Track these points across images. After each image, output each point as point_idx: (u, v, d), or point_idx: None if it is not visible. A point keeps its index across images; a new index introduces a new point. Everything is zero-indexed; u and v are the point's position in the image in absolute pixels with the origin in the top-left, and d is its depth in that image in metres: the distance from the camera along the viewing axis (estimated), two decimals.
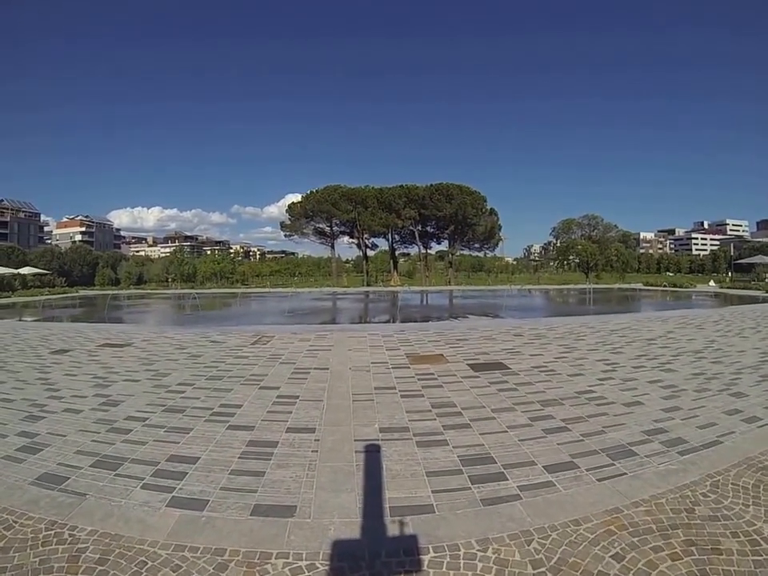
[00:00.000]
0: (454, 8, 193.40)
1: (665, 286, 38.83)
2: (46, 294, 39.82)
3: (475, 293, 36.01)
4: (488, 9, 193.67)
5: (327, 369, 6.88)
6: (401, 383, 6.10)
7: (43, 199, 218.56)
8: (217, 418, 4.81)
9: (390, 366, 7.10)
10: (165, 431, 4.46)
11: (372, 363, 7.29)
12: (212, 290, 46.01)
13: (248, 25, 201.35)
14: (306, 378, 6.37)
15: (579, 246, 61.33)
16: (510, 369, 6.99)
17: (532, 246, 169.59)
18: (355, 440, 4.15)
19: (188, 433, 4.38)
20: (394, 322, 14.40)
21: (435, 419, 4.71)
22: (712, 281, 45.45)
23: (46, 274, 51.16)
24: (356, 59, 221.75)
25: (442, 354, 8.05)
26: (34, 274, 47.85)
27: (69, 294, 39.14)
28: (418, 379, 6.31)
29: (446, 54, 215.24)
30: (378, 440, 4.16)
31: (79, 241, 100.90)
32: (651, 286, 41.66)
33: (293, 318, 16.15)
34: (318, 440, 4.16)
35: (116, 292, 38.77)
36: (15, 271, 46.05)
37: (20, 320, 17.73)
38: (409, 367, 7.06)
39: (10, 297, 37.28)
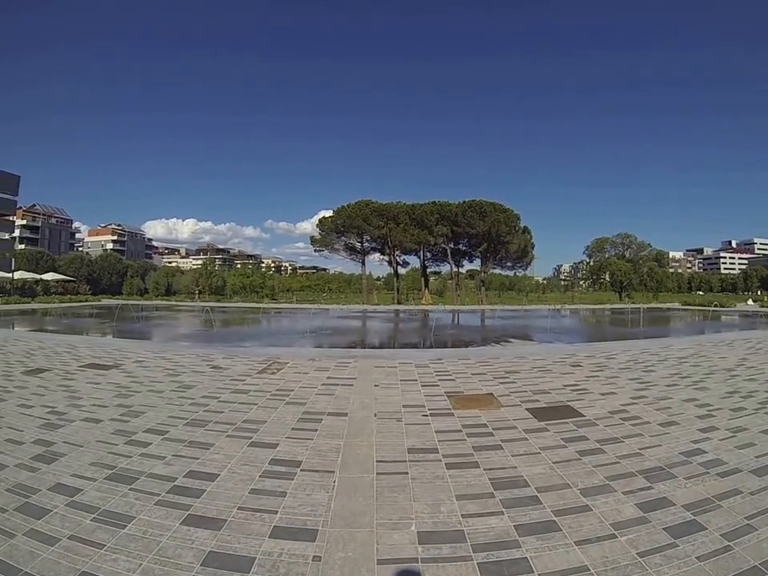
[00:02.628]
0: (485, 27, 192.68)
1: (714, 305, 37.33)
2: (66, 302, 39.98)
3: (510, 313, 34.07)
4: (522, 28, 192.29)
5: (345, 414, 5.35)
6: (444, 441, 4.52)
7: (80, 206, 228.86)
8: (173, 499, 3.37)
9: (428, 412, 5.52)
10: (92, 520, 3.08)
11: (404, 407, 5.71)
12: (237, 303, 45.35)
13: (284, 42, 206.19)
14: (315, 429, 4.85)
15: (613, 265, 61.77)
16: (583, 416, 5.37)
17: (561, 265, 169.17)
18: (379, 561, 2.60)
19: (123, 527, 2.94)
20: (428, 346, 12.76)
21: (503, 513, 3.15)
22: (750, 300, 43.73)
23: (70, 280, 51.82)
24: (388, 77, 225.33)
25: (491, 394, 6.42)
26: (57, 281, 48.40)
27: (88, 303, 39.01)
28: (468, 434, 4.71)
29: (478, 72, 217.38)
30: (418, 560, 2.60)
31: (110, 249, 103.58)
32: (689, 305, 41.02)
33: (314, 338, 14.75)
34: (319, 559, 2.61)
35: (133, 302, 38.42)
36: (38, 277, 46.73)
37: (20, 329, 17.04)
38: (452, 413, 5.46)
39: (29, 303, 37.48)
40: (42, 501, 3.35)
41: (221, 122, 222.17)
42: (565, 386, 6.95)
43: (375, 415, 5.30)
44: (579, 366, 8.76)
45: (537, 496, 3.39)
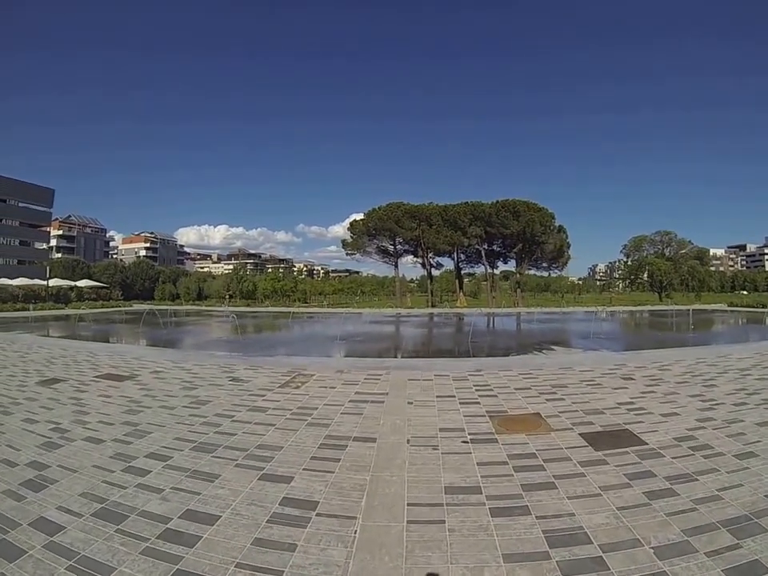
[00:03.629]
0: (518, 24, 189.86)
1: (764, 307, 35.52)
2: (98, 308, 40.89)
3: (549, 316, 32.90)
4: (557, 21, 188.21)
5: (374, 440, 4.77)
6: (488, 477, 3.89)
7: (115, 215, 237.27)
8: (163, 547, 2.90)
9: (469, 437, 4.89)
10: (67, 569, 2.71)
11: (441, 430, 5.10)
12: (268, 308, 45.42)
13: (314, 46, 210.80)
14: (338, 458, 4.29)
15: (652, 265, 60.45)
16: (645, 444, 4.64)
17: (597, 265, 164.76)
18: None
19: None
20: (466, 355, 12.07)
21: None
22: None
23: (103, 287, 53.10)
24: (413, 78, 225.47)
25: (538, 414, 5.74)
26: (91, 287, 49.67)
27: (119, 308, 39.72)
28: (515, 467, 4.07)
29: (503, 70, 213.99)
30: None
31: (143, 256, 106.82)
32: (736, 306, 39.30)
33: (344, 345, 14.23)
34: None
35: (163, 307, 38.84)
36: (72, 283, 48.05)
37: (48, 335, 17.18)
38: (496, 439, 4.82)
39: (63, 309, 38.44)
40: (20, 539, 3.00)
41: (252, 128, 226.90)
42: (619, 404, 6.20)
43: (408, 441, 4.71)
44: (631, 378, 7.97)
45: (601, 557, 2.74)
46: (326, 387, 7.21)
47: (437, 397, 6.62)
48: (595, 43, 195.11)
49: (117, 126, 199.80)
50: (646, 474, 3.90)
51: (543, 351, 12.86)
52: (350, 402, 6.29)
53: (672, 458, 4.25)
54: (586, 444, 4.65)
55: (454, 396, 6.67)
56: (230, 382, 7.73)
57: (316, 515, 3.24)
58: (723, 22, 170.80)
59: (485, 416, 5.66)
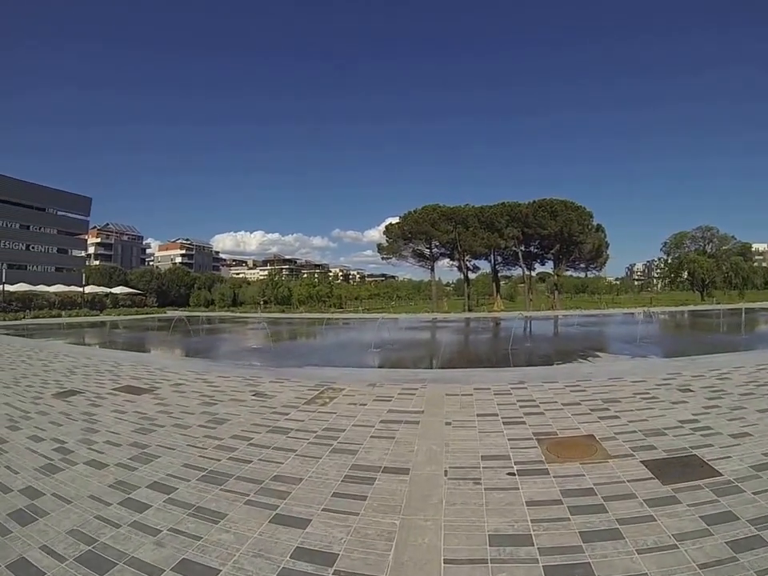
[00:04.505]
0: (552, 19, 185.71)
1: None
2: (132, 314, 41.76)
3: (589, 319, 31.46)
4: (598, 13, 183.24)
5: (406, 472, 4.20)
6: (540, 522, 3.26)
7: (151, 222, 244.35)
8: None
9: (515, 467, 4.27)
10: None
11: (483, 458, 4.50)
12: (302, 314, 45.45)
13: (345, 48, 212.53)
14: (364, 495, 3.75)
15: (695, 262, 58.99)
16: (719, 474, 3.91)
17: (634, 264, 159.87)
18: None
19: None
20: (506, 364, 11.38)
21: None
22: None
23: (138, 293, 54.32)
24: (448, 77, 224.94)
25: (592, 436, 5.06)
26: (126, 294, 50.83)
27: (153, 315, 40.39)
28: (570, 508, 3.43)
29: (539, 64, 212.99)
30: None
31: (179, 263, 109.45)
32: None
33: (378, 354, 13.69)
34: None
35: (196, 314, 39.30)
36: (108, 290, 49.28)
37: (76, 342, 17.34)
38: (546, 469, 4.19)
39: (97, 315, 39.37)
40: None
41: (287, 133, 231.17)
42: (681, 422, 5.46)
43: (446, 473, 4.13)
44: (689, 390, 7.15)
45: None
46: (355, 404, 6.68)
47: (477, 415, 6.00)
48: (639, 33, 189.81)
49: (153, 131, 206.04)
50: (727, 517, 3.21)
51: (588, 359, 12.06)
52: (381, 422, 5.74)
53: (753, 493, 3.53)
54: (651, 475, 3.98)
55: (497, 414, 6.03)
56: (253, 397, 7.31)
57: (333, 573, 2.71)
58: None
59: (532, 439, 5.03)
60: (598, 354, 13.10)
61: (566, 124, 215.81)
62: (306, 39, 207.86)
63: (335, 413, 6.23)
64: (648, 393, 7.07)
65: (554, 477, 4.03)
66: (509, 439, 5.03)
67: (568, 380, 8.23)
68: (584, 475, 4.03)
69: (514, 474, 4.11)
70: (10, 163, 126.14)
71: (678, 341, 18.10)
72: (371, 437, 5.17)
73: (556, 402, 6.65)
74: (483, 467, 4.28)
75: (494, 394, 7.18)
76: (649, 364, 10.64)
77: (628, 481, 3.89)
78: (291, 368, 10.49)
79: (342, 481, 4.00)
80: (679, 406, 6.24)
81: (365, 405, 6.62)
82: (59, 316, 37.12)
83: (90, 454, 4.89)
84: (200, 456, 4.73)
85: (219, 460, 4.59)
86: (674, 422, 5.46)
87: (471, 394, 7.21)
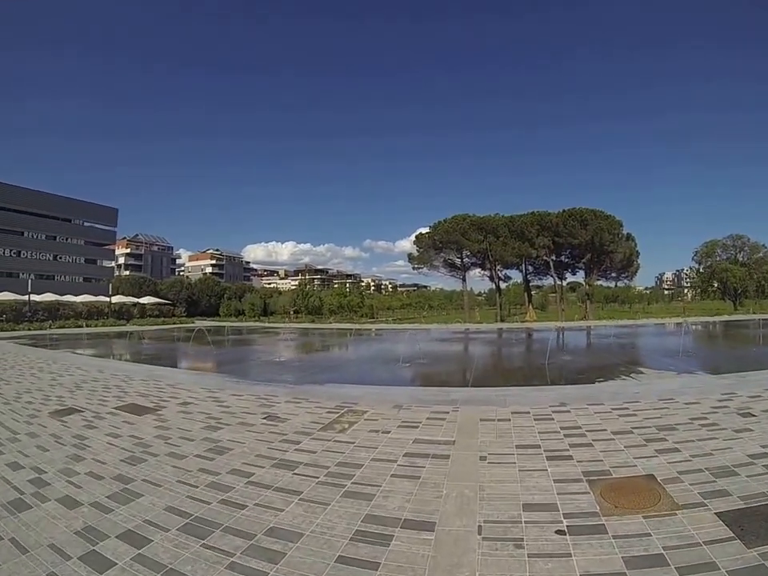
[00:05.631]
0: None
1: None
2: (160, 324, 42.06)
3: (624, 330, 30.05)
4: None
5: (431, 528, 3.44)
6: None
7: (182, 233, 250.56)
8: None
9: (564, 521, 3.48)
10: None
11: (526, 508, 3.70)
12: (331, 324, 45.02)
13: (379, 62, 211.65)
14: (376, 563, 3.00)
15: (727, 271, 58.77)
16: None
17: (664, 273, 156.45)
18: None
19: None
20: (544, 381, 10.48)
21: None
22: None
23: (166, 303, 54.82)
24: (478, 86, 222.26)
25: (652, 477, 4.22)
26: (154, 304, 51.40)
27: (180, 325, 40.48)
28: None
29: (562, 75, 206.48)
30: None
31: (209, 273, 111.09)
32: None
33: (407, 369, 12.87)
34: None
35: (223, 324, 39.26)
36: (135, 300, 49.92)
37: (92, 354, 17.13)
38: (604, 526, 3.38)
39: (124, 325, 39.75)
40: None
41: (318, 145, 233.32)
42: (751, 457, 4.57)
43: (480, 530, 3.36)
44: (751, 414, 6.27)
45: None
46: (377, 432, 5.93)
47: (516, 447, 5.19)
48: (670, 40, 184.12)
49: (186, 144, 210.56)
50: None
51: (631, 375, 11.06)
52: (405, 455, 4.98)
53: None
54: (731, 534, 3.14)
55: (539, 446, 5.21)
56: (263, 421, 6.65)
57: None
58: None
59: (582, 480, 4.21)
60: (640, 369, 12.08)
61: (592, 133, 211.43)
62: (337, 53, 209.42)
63: (353, 442, 5.50)
64: (705, 418, 6.22)
65: (613, 537, 3.22)
66: (555, 480, 4.23)
67: (614, 402, 7.37)
68: (650, 534, 3.23)
69: (563, 533, 3.32)
70: (38, 176, 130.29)
71: (721, 353, 16.77)
72: (392, 475, 4.42)
73: (605, 429, 5.81)
74: (526, 521, 3.50)
75: (534, 420, 6.36)
76: (698, 382, 9.64)
77: (704, 543, 3.07)
78: (311, 385, 9.82)
79: (350, 539, 3.26)
80: (744, 435, 5.38)
81: (388, 432, 5.87)
82: (85, 326, 37.58)
83: (67, 488, 4.34)
84: (188, 496, 4.08)
85: (209, 503, 3.93)
86: (743, 457, 4.61)
87: (508, 419, 6.41)
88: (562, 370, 12.41)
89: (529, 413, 6.77)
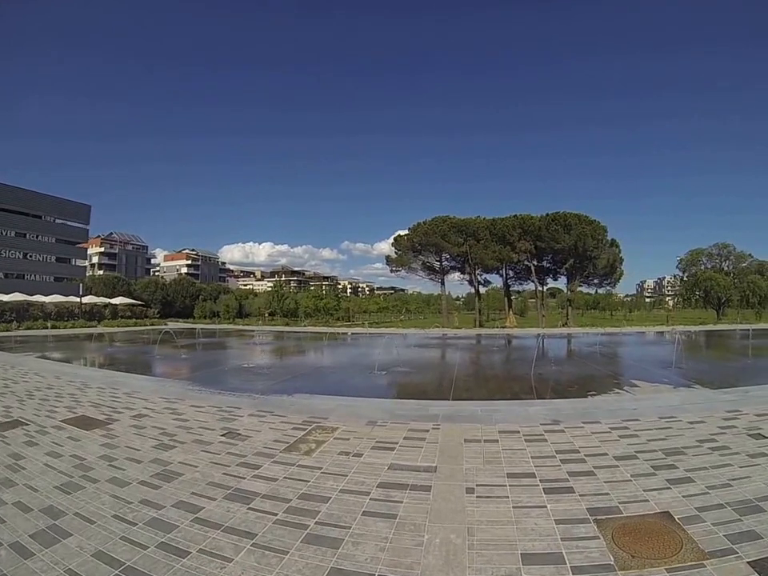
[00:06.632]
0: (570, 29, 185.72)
1: None
2: (131, 326, 40.73)
3: (610, 338, 29.34)
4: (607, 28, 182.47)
5: None
6: None
7: (159, 232, 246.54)
8: None
9: None
10: None
11: (525, 560, 3.11)
12: (305, 327, 44.08)
13: (356, 61, 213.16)
14: None
15: (712, 280, 58.08)
16: None
17: (645, 281, 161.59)
18: None
19: None
20: (533, 394, 9.91)
21: None
22: None
23: (138, 304, 53.19)
24: (459, 91, 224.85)
25: (667, 514, 3.69)
26: (126, 304, 49.79)
27: (152, 327, 39.20)
28: None
29: (545, 81, 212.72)
30: None
31: (185, 273, 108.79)
32: None
33: (383, 378, 12.20)
34: None
35: (194, 326, 38.08)
36: (107, 300, 48.31)
37: (54, 358, 16.11)
38: None
39: (94, 327, 38.32)
40: None
41: (295, 145, 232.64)
42: None
43: None
44: (762, 436, 5.83)
45: None
46: (348, 454, 5.28)
47: (508, 476, 4.60)
48: (645, 50, 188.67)
49: (160, 142, 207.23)
50: None
51: (625, 388, 10.54)
52: (379, 486, 4.34)
53: None
54: None
55: (533, 474, 4.63)
56: (222, 439, 5.95)
57: None
58: None
59: (588, 521, 3.64)
60: (634, 382, 11.52)
61: (576, 139, 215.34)
62: (311, 51, 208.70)
63: (320, 468, 4.83)
64: (714, 440, 5.73)
65: None
66: (557, 521, 3.64)
67: (612, 419, 6.84)
68: None
69: None
70: (10, 176, 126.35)
71: (717, 366, 16.37)
72: (363, 513, 3.78)
73: (606, 453, 5.26)
74: None
75: (526, 441, 5.79)
76: (698, 397, 9.12)
77: None
78: (279, 395, 9.04)
79: None
80: (760, 461, 4.90)
81: (360, 456, 5.22)
82: (54, 327, 36.05)
83: None
84: (123, 537, 3.41)
85: (146, 547, 3.25)
86: (765, 489, 4.10)
87: (496, 440, 5.82)
88: (550, 382, 11.81)
89: (518, 432, 6.19)
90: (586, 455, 5.21)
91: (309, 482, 4.47)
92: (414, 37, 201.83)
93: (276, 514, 3.77)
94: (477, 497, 4.13)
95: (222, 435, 6.11)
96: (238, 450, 5.50)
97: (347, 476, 4.61)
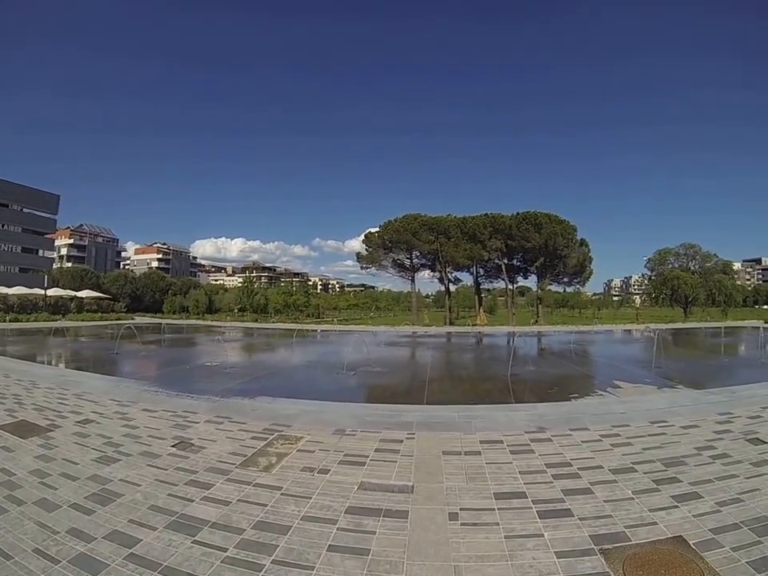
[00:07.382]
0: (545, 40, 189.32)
1: None
2: (97, 320, 39.28)
3: (584, 336, 29.12)
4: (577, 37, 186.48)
5: None
6: None
7: (131, 225, 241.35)
8: None
9: None
10: None
11: None
12: (275, 324, 43.09)
13: (332, 61, 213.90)
14: None
15: (680, 279, 58.63)
16: None
17: (612, 280, 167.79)
18: None
19: None
20: (513, 397, 9.43)
21: None
22: None
23: (106, 298, 51.38)
24: (428, 92, 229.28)
25: (680, 539, 3.27)
26: (93, 298, 48.05)
27: (118, 321, 37.66)
28: None
29: (519, 84, 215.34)
30: None
31: (155, 267, 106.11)
32: None
33: (352, 380, 11.59)
34: None
35: (160, 321, 36.82)
36: (73, 293, 46.53)
37: (8, 353, 15.04)
38: None
39: (58, 320, 36.76)
40: None
41: (268, 142, 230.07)
42: None
43: None
44: (761, 441, 5.54)
45: None
46: (313, 470, 4.68)
47: (495, 497, 4.06)
48: (614, 58, 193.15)
49: (137, 137, 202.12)
50: None
51: (608, 390, 10.13)
52: (347, 512, 3.76)
53: None
54: None
55: (525, 494, 4.10)
56: (172, 450, 5.28)
57: None
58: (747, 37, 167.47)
59: (593, 551, 3.14)
60: (615, 382, 11.11)
61: (547, 142, 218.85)
62: (290, 50, 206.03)
63: (280, 487, 4.23)
64: (713, 446, 5.39)
65: None
66: (557, 554, 3.14)
67: (600, 426, 6.42)
68: None
69: None
70: None
71: (693, 364, 16.12)
72: (329, 548, 3.20)
73: (600, 466, 4.80)
74: None
75: (511, 452, 5.28)
76: (685, 399, 8.73)
77: None
78: (239, 398, 8.35)
79: None
80: (765, 469, 4.57)
81: (326, 472, 4.62)
82: (15, 321, 34.37)
83: None
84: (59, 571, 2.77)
85: None
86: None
87: (479, 452, 5.30)
88: (528, 383, 11.28)
89: (502, 442, 5.68)
90: (579, 469, 4.74)
91: (266, 505, 3.86)
92: (380, 37, 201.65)
93: (225, 550, 3.16)
94: (462, 524, 3.59)
95: (172, 446, 5.44)
96: (189, 464, 4.85)
97: (311, 498, 4.01)
